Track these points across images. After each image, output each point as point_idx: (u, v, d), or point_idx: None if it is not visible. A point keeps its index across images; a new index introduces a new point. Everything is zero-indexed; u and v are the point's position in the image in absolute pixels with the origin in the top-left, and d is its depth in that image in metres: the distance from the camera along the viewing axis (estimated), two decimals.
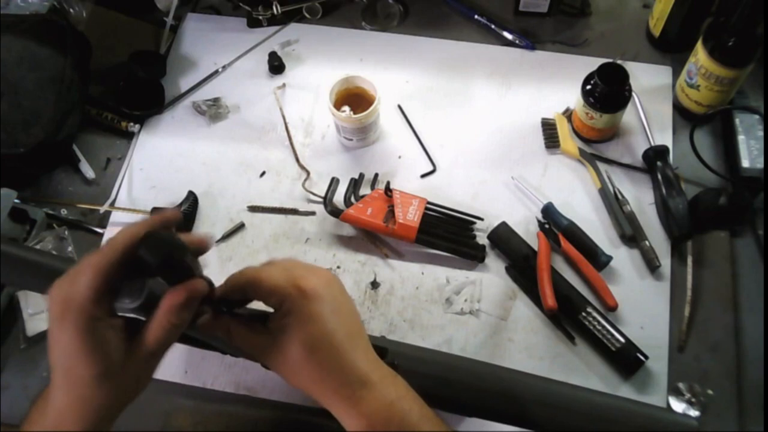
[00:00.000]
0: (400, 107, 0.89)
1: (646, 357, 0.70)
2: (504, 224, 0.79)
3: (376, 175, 0.84)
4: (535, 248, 0.77)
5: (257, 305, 0.49)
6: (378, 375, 0.48)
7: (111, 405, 0.45)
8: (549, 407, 0.55)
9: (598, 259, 0.75)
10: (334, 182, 0.82)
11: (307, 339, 0.46)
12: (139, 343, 0.45)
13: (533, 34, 0.94)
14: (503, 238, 0.78)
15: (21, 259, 0.56)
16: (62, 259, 0.58)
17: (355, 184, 0.82)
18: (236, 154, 0.87)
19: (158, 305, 0.45)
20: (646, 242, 0.77)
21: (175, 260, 0.44)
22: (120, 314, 0.46)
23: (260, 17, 0.96)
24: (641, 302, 0.74)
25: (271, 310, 0.48)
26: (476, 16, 0.95)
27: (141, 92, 0.90)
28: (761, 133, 0.80)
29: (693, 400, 0.69)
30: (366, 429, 0.47)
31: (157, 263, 0.43)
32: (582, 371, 0.71)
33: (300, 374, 0.47)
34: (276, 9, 0.95)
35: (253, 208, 0.83)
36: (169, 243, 0.44)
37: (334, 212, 0.79)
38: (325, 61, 0.94)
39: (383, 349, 0.58)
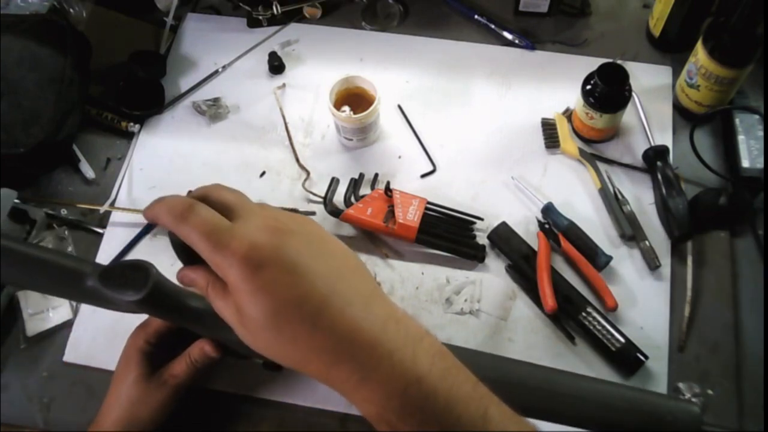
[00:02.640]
0: (400, 107, 0.89)
1: (646, 357, 0.70)
2: (504, 224, 0.79)
3: (376, 175, 0.84)
4: (535, 248, 0.77)
5: None
6: (395, 339, 0.37)
7: (140, 404, 0.61)
8: (553, 395, 0.55)
9: (598, 259, 0.75)
10: (334, 182, 0.82)
11: (266, 294, 0.37)
12: (167, 369, 0.63)
13: (533, 34, 0.94)
14: (503, 238, 0.78)
15: (28, 257, 0.56)
16: (66, 255, 0.58)
17: (355, 184, 0.82)
18: (236, 154, 0.87)
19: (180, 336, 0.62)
20: (646, 242, 0.77)
21: None
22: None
23: (260, 17, 0.96)
24: (641, 302, 0.74)
25: None
26: (476, 16, 0.95)
27: (141, 92, 0.90)
28: (761, 133, 0.80)
29: (693, 400, 0.69)
30: (375, 417, 0.37)
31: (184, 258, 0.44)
32: (582, 371, 0.71)
33: (266, 344, 0.39)
34: (276, 9, 0.95)
35: None
36: None
37: (334, 212, 0.79)
38: (325, 61, 0.94)
39: None
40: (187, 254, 0.45)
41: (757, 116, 0.81)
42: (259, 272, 0.36)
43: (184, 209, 0.39)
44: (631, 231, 0.78)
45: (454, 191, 0.83)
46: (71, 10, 0.93)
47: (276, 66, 0.92)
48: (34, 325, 0.75)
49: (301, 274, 0.37)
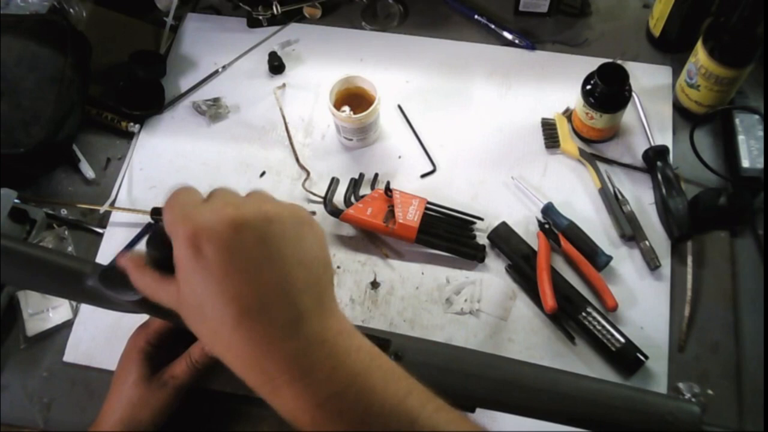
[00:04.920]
0: (400, 107, 0.89)
1: (646, 357, 0.70)
2: (504, 224, 0.79)
3: (376, 175, 0.84)
4: (535, 248, 0.77)
5: None
6: (318, 354, 0.36)
7: (141, 406, 0.61)
8: (553, 395, 0.55)
9: (598, 259, 0.75)
10: (334, 182, 0.82)
11: (198, 281, 0.36)
12: (168, 370, 0.63)
13: (533, 34, 0.94)
14: (503, 238, 0.78)
15: (28, 257, 0.56)
16: (66, 255, 0.58)
17: (355, 184, 0.82)
18: (236, 154, 0.87)
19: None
20: (646, 242, 0.77)
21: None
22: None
23: (260, 17, 0.96)
24: (641, 302, 0.74)
25: None
26: (476, 16, 0.95)
27: (141, 92, 0.90)
28: (761, 133, 0.80)
29: (693, 400, 0.69)
30: (292, 424, 0.37)
31: (159, 256, 0.43)
32: (582, 371, 0.71)
33: (196, 330, 0.38)
34: (276, 9, 0.95)
35: None
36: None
37: (334, 212, 0.79)
38: (325, 61, 0.94)
39: (386, 341, 0.58)
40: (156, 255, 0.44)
41: (757, 116, 0.81)
42: (198, 253, 0.35)
43: (176, 188, 0.40)
44: (631, 231, 0.78)
45: (454, 191, 0.83)
46: (71, 10, 0.93)
47: (276, 66, 0.92)
48: (34, 325, 0.75)
49: (238, 271, 0.35)
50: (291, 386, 0.36)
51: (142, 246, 0.45)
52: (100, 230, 0.82)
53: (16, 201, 0.78)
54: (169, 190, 0.41)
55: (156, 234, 0.43)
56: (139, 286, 0.43)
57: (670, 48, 0.91)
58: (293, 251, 0.37)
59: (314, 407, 0.36)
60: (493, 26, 0.94)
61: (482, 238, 0.79)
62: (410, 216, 0.77)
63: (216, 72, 0.93)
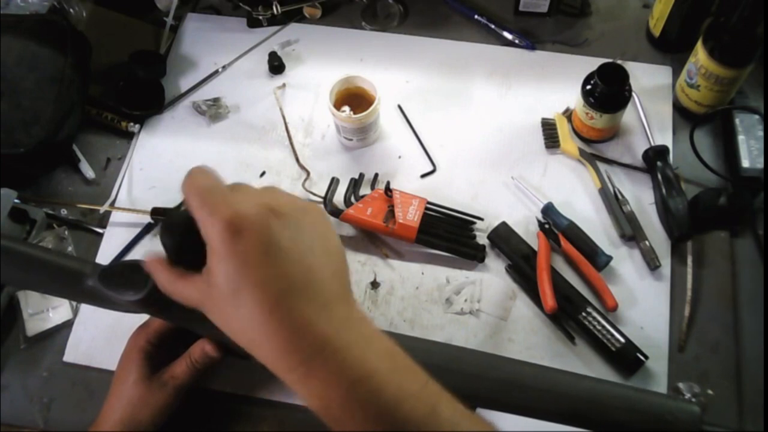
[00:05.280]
0: (400, 107, 0.89)
1: (646, 357, 0.70)
2: (504, 224, 0.79)
3: (376, 175, 0.84)
4: (535, 248, 0.77)
5: None
6: (347, 338, 0.38)
7: (141, 406, 0.61)
8: (553, 395, 0.55)
9: (598, 259, 0.75)
10: (334, 182, 0.82)
11: (236, 264, 0.37)
12: (168, 370, 0.63)
13: (533, 34, 0.94)
14: (503, 238, 0.78)
15: (29, 257, 0.56)
16: (66, 255, 0.58)
17: (355, 184, 0.82)
18: (236, 154, 0.87)
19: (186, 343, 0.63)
20: (646, 242, 0.77)
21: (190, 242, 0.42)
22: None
23: (260, 17, 0.96)
24: (641, 302, 0.74)
25: None
26: (476, 16, 0.95)
27: (141, 92, 0.90)
28: (761, 133, 0.80)
29: (693, 400, 0.69)
30: (320, 411, 0.38)
31: (173, 244, 0.44)
32: (582, 371, 0.71)
33: (223, 317, 0.39)
34: (276, 9, 0.95)
35: None
36: (183, 223, 0.43)
37: (334, 212, 0.79)
38: (325, 61, 0.94)
39: None
40: (178, 247, 0.44)
41: (757, 116, 0.81)
42: (236, 239, 0.36)
43: (193, 170, 0.40)
44: (631, 231, 0.78)
45: (454, 191, 0.83)
46: (71, 10, 0.93)
47: (276, 66, 0.92)
48: (34, 325, 0.75)
49: (275, 256, 0.37)
50: (325, 366, 0.37)
51: (148, 246, 0.46)
52: (100, 230, 0.82)
53: (16, 201, 0.78)
54: (184, 178, 0.40)
55: (173, 222, 0.43)
56: (163, 284, 0.44)
57: (670, 48, 0.91)
58: (322, 242, 0.40)
59: (347, 388, 0.37)
60: (493, 26, 0.94)
61: (482, 238, 0.79)
62: (410, 216, 0.77)
63: (216, 72, 0.93)
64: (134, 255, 0.81)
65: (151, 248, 0.81)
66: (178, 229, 0.43)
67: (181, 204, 0.81)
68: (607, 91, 0.77)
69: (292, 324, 0.37)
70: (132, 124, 0.88)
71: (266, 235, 0.37)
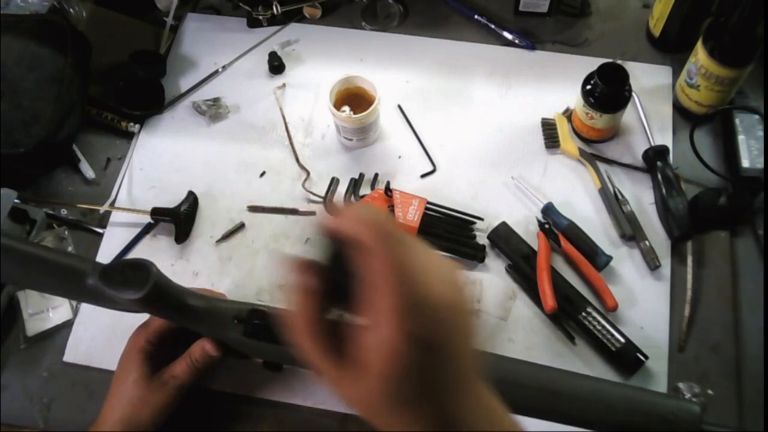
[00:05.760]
0: (400, 107, 0.89)
1: (646, 357, 0.70)
2: (504, 224, 0.79)
3: (376, 175, 0.84)
4: (535, 248, 0.77)
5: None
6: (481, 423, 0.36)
7: (141, 405, 0.61)
8: (553, 395, 0.55)
9: (598, 259, 0.75)
10: (334, 182, 0.82)
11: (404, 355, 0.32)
12: (168, 369, 0.63)
13: (533, 34, 0.94)
14: (503, 238, 0.78)
15: (29, 255, 0.56)
16: (67, 254, 0.58)
17: (355, 184, 0.82)
18: (236, 154, 0.87)
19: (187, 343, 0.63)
20: (646, 242, 0.77)
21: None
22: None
23: (260, 17, 0.96)
24: (641, 302, 0.74)
25: None
26: (476, 16, 0.95)
27: (141, 92, 0.90)
28: (761, 133, 0.80)
29: (693, 400, 0.69)
30: None
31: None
32: (582, 371, 0.71)
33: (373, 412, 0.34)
34: (276, 9, 0.95)
35: (253, 208, 0.83)
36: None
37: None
38: (325, 61, 0.94)
39: None
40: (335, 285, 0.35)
41: (757, 116, 0.81)
42: (424, 352, 0.32)
43: (389, 226, 0.33)
44: (631, 231, 0.78)
45: (454, 191, 0.83)
46: (71, 10, 0.93)
47: (276, 66, 0.92)
48: (34, 325, 0.75)
49: (454, 359, 0.34)
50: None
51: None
52: (100, 230, 0.82)
53: (16, 201, 0.78)
54: (374, 222, 0.33)
55: (341, 259, 0.34)
56: (309, 355, 0.35)
57: (670, 48, 0.91)
58: (472, 344, 0.38)
59: None
60: (493, 26, 0.94)
61: (482, 238, 0.79)
62: (410, 216, 0.77)
63: (216, 72, 0.93)
64: (134, 255, 0.81)
65: (151, 248, 0.81)
66: (347, 270, 0.34)
67: (181, 204, 0.81)
68: (607, 91, 0.77)
69: (452, 425, 0.34)
70: (132, 124, 0.88)
71: (448, 339, 0.34)
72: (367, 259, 0.32)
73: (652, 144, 0.82)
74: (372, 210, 0.34)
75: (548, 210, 0.79)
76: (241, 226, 0.82)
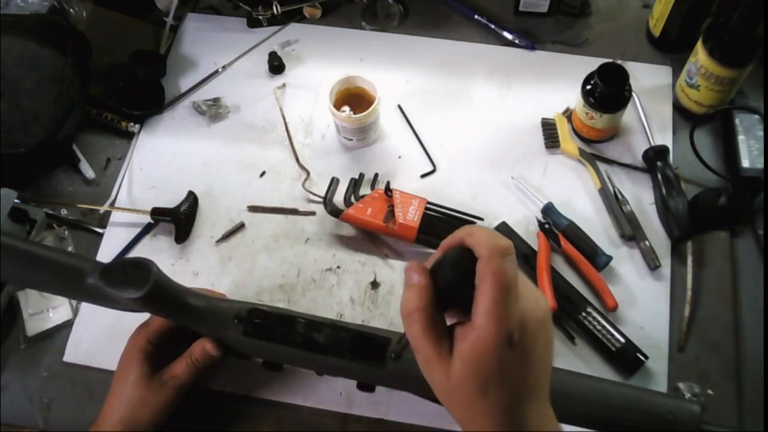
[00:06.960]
0: (400, 107, 0.89)
1: (646, 357, 0.70)
2: (504, 224, 0.79)
3: (376, 175, 0.84)
4: (535, 248, 0.77)
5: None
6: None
7: (141, 405, 0.62)
8: (553, 394, 0.55)
9: (598, 259, 0.75)
10: (334, 182, 0.82)
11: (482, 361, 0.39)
12: (168, 369, 0.63)
13: (533, 34, 0.94)
14: None
15: (30, 254, 0.56)
16: (67, 253, 0.58)
17: (355, 184, 0.82)
18: (236, 154, 0.87)
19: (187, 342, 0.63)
20: (646, 242, 0.77)
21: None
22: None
23: (260, 17, 0.96)
24: (641, 302, 0.74)
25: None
26: (476, 16, 0.95)
27: (141, 92, 0.90)
28: (761, 133, 0.80)
29: (693, 400, 0.68)
30: None
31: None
32: (582, 371, 0.71)
33: (448, 394, 0.41)
34: (276, 9, 0.95)
35: (253, 208, 0.83)
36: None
37: (334, 212, 0.79)
38: (325, 61, 0.94)
39: (386, 339, 0.58)
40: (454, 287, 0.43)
41: (757, 116, 0.81)
42: (507, 348, 0.39)
43: (507, 250, 0.41)
44: (631, 231, 0.78)
45: (454, 191, 0.83)
46: (71, 10, 0.93)
47: (276, 66, 0.92)
48: (34, 325, 0.75)
49: (530, 366, 0.40)
50: None
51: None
52: (100, 230, 0.82)
53: (16, 201, 0.78)
54: (493, 242, 0.41)
55: (465, 266, 0.42)
56: (416, 334, 0.42)
57: (670, 48, 0.91)
58: (550, 354, 0.43)
59: None
60: (493, 26, 0.94)
61: None
62: (410, 216, 0.77)
63: (216, 72, 0.93)
64: (134, 255, 0.81)
65: (152, 248, 0.81)
66: (466, 277, 0.41)
67: (181, 204, 0.81)
68: (607, 91, 0.77)
69: (517, 425, 0.40)
70: (132, 124, 0.88)
71: (532, 347, 0.40)
72: (482, 267, 0.39)
73: (652, 144, 0.82)
74: (495, 233, 0.42)
75: (548, 210, 0.79)
76: (241, 226, 0.82)
